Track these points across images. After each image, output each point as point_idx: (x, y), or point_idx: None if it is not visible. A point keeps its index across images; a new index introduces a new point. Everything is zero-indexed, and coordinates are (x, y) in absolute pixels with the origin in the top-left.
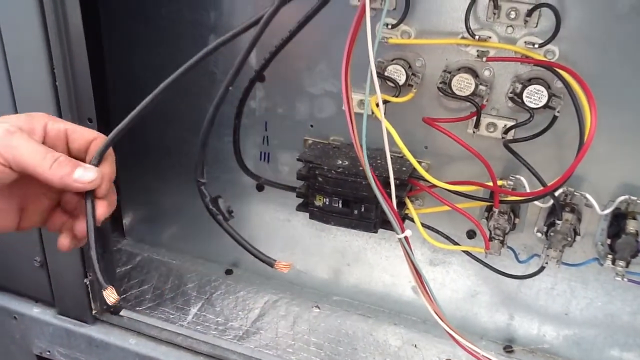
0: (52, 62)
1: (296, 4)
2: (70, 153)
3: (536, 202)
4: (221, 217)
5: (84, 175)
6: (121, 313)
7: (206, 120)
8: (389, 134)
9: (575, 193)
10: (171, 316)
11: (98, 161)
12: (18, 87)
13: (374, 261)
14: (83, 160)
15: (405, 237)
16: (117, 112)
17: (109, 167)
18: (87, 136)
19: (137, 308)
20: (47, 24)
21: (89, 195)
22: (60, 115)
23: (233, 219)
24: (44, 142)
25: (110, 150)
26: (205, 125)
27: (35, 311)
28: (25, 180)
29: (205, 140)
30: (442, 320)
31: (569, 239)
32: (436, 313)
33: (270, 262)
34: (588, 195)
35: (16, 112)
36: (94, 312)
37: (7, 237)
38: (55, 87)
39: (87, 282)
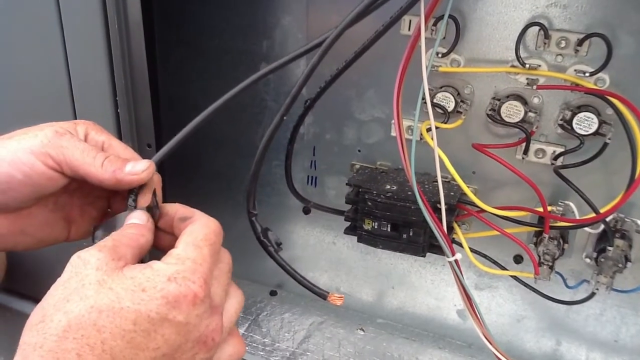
0: (115, 91)
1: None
2: None
3: (586, 228)
4: (272, 248)
5: (135, 166)
6: None
7: (259, 151)
8: (439, 159)
9: (626, 219)
10: None
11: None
12: (81, 114)
13: (418, 284)
14: None
15: (456, 260)
16: (170, 139)
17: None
18: (122, 155)
19: None
20: (112, 52)
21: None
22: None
23: (281, 250)
24: None
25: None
26: (257, 157)
27: None
28: (70, 191)
29: (257, 171)
30: (491, 344)
31: (620, 265)
32: (485, 336)
33: (323, 295)
34: (639, 222)
35: None
36: None
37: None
38: (117, 115)
39: None
